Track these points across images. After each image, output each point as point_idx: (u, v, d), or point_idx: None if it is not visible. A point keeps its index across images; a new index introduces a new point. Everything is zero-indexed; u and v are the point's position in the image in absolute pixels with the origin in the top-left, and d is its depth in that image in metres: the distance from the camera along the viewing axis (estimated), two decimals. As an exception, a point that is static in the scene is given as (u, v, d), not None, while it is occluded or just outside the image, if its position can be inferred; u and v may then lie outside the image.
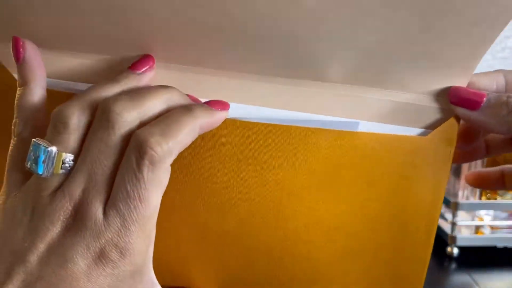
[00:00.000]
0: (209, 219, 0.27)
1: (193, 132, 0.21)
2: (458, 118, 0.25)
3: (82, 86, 0.25)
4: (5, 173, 0.22)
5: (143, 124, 0.21)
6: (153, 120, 0.21)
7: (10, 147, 0.23)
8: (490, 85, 0.25)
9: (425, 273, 0.28)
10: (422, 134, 0.26)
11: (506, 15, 0.21)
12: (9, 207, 0.21)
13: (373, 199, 0.26)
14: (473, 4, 0.20)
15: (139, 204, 0.20)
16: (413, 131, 0.26)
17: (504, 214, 0.66)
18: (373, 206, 0.27)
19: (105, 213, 0.20)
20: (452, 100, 0.24)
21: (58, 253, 0.20)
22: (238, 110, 0.25)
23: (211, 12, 0.21)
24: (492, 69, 0.27)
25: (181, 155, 0.22)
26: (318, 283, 0.29)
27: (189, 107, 0.22)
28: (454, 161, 0.27)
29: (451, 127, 0.25)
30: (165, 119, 0.21)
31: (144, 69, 0.24)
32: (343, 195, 0.26)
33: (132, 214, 0.20)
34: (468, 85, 0.25)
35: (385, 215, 0.27)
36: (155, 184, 0.20)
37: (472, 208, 0.63)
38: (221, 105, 0.23)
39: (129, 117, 0.21)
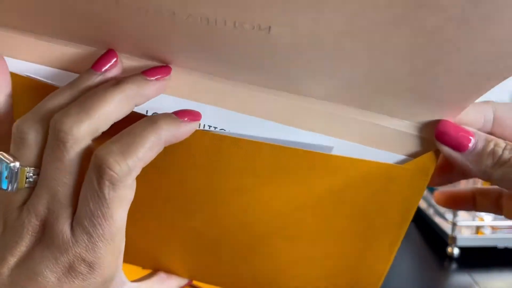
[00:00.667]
0: (175, 217, 0.28)
1: (156, 146, 0.21)
2: (438, 152, 0.24)
3: (72, 75, 0.25)
4: None
5: (99, 137, 0.21)
6: (115, 135, 0.21)
7: None
8: (477, 120, 0.24)
9: (380, 283, 0.29)
10: (400, 161, 0.25)
11: (505, 73, 0.20)
12: None
13: (340, 215, 0.27)
14: (469, 60, 0.19)
15: (104, 221, 0.20)
16: (392, 157, 0.25)
17: (504, 214, 0.66)
18: (340, 221, 0.27)
19: (72, 228, 0.20)
20: (438, 137, 0.23)
21: (28, 266, 0.20)
22: (209, 113, 0.25)
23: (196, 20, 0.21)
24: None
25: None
26: (280, 280, 0.30)
27: (153, 118, 0.21)
28: (433, 184, 0.27)
29: (430, 160, 0.24)
30: (126, 133, 0.20)
31: (105, 67, 0.23)
32: (310, 208, 0.26)
33: (98, 231, 0.20)
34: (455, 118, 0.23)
35: (351, 231, 0.27)
36: (118, 202, 0.20)
37: (472, 208, 0.63)
38: (191, 115, 0.22)
39: (79, 132, 0.20)
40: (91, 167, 0.20)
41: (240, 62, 0.23)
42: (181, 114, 0.21)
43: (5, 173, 0.20)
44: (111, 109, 0.21)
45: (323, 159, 0.24)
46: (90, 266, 0.20)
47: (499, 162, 0.21)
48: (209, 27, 0.20)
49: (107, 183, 0.19)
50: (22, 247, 0.20)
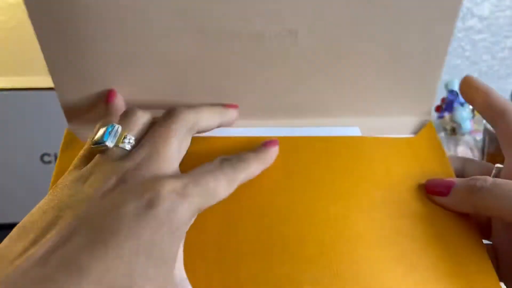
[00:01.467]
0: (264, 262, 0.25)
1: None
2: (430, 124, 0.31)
3: None
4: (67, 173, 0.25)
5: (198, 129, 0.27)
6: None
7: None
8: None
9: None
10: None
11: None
12: (71, 177, 0.24)
13: (397, 189, 0.28)
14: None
15: (210, 178, 0.23)
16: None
17: (504, 215, 0.65)
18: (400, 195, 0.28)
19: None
20: (428, 191, 0.28)
21: (112, 196, 0.21)
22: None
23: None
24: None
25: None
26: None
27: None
28: None
29: (430, 127, 0.31)
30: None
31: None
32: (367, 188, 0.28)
33: (200, 181, 0.23)
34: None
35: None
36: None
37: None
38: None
39: (188, 115, 0.26)
40: None
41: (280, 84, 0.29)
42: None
43: (110, 129, 0.24)
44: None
45: (356, 141, 0.30)
46: (172, 207, 0.21)
47: (473, 191, 0.25)
48: (264, 41, 0.27)
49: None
50: (109, 184, 0.22)
